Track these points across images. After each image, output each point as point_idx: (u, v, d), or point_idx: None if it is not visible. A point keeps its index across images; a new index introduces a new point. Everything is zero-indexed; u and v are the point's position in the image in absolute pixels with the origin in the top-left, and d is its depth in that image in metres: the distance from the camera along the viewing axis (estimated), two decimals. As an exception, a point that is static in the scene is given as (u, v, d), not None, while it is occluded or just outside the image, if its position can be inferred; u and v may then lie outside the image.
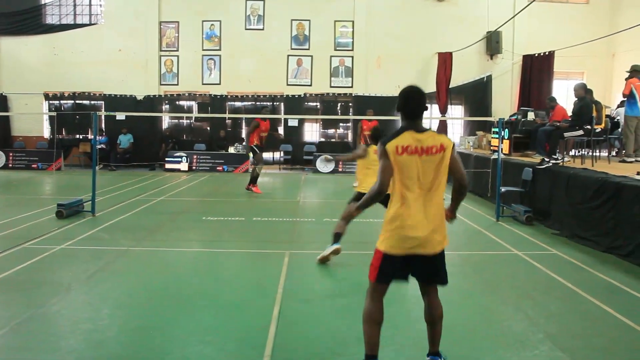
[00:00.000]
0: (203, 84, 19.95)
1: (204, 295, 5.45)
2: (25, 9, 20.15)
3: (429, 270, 3.73)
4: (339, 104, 20.07)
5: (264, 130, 12.49)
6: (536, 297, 5.45)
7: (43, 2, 20.23)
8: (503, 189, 10.00)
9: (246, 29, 19.78)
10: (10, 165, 18.69)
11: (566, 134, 10.15)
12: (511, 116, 14.35)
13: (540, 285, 5.90)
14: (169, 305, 5.09)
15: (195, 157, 18.56)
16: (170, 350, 4.08)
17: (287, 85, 19.79)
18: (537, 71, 18.88)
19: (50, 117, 19.79)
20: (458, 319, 4.82)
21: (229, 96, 19.83)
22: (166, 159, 18.56)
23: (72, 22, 20.21)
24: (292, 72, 19.79)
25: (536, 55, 18.84)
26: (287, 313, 4.91)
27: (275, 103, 19.70)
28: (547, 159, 9.74)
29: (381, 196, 3.61)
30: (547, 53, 18.53)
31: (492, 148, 13.22)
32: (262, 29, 19.75)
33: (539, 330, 4.54)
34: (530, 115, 13.30)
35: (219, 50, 19.86)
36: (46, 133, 20.54)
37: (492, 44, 19.08)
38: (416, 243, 3.59)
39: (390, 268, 3.66)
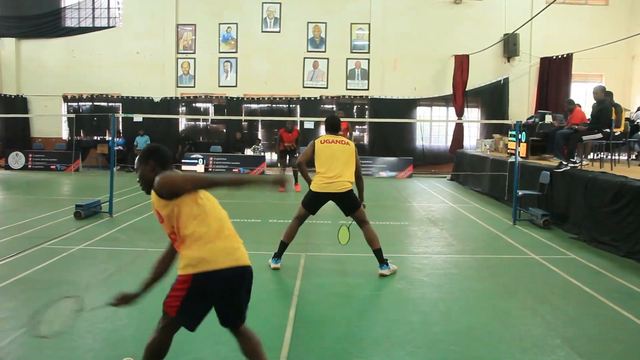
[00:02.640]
0: (219, 86, 20.06)
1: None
2: (45, 12, 20.41)
3: None
4: (355, 107, 20.08)
5: (286, 141, 13.52)
6: (554, 302, 5.40)
7: (62, 6, 20.48)
8: (520, 193, 9.93)
9: (262, 32, 19.86)
10: (30, 166, 18.93)
11: (585, 137, 10.05)
12: (528, 119, 14.25)
13: (558, 289, 5.85)
14: (186, 306, 5.12)
15: (211, 158, 18.64)
16: (187, 350, 4.10)
17: (303, 87, 19.84)
18: (555, 74, 18.73)
19: (69, 119, 20.03)
20: (475, 322, 4.80)
21: (245, 98, 19.91)
22: (182, 160, 18.67)
23: (91, 25, 20.45)
24: (308, 75, 19.83)
25: (554, 57, 18.69)
26: (303, 314, 4.92)
27: (291, 105, 19.75)
28: (565, 162, 9.65)
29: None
30: (565, 55, 18.38)
31: (509, 151, 13.13)
32: (279, 32, 19.82)
33: (557, 334, 4.50)
34: (548, 118, 13.19)
35: (236, 52, 19.96)
36: (65, 134, 20.79)
37: (510, 46, 18.95)
38: None
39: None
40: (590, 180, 8.41)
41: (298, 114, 19.50)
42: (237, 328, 3.31)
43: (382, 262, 6.14)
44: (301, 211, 6.27)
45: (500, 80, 19.27)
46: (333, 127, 6.46)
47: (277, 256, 6.39)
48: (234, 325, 3.30)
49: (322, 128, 19.81)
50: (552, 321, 4.83)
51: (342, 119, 13.25)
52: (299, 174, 12.79)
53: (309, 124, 19.39)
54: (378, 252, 6.15)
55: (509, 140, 13.76)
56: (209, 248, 3.06)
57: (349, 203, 6.14)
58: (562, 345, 4.28)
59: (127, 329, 4.52)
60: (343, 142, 6.25)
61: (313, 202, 6.19)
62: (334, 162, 6.10)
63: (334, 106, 19.58)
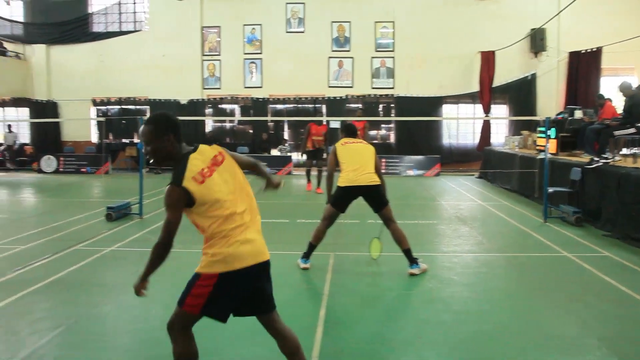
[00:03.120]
0: (245, 87, 20.19)
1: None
2: (74, 18, 20.80)
3: None
4: (381, 105, 20.01)
5: (314, 134, 12.97)
6: (588, 300, 5.30)
7: (90, 11, 20.83)
8: (551, 190, 9.77)
9: (287, 32, 19.92)
10: (61, 169, 19.28)
11: (617, 133, 9.86)
12: (557, 115, 14.04)
13: (591, 288, 5.74)
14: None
15: (238, 159, 18.74)
16: (221, 350, 4.13)
17: (329, 87, 19.83)
18: (584, 68, 18.38)
19: (98, 122, 20.41)
20: (507, 322, 4.75)
21: (270, 99, 20.00)
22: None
23: (118, 30, 20.77)
24: (334, 74, 19.82)
25: (583, 51, 18.34)
26: (333, 314, 4.91)
27: (316, 105, 19.77)
28: (596, 158, 9.47)
29: None
30: (594, 49, 18.02)
31: (537, 148, 12.94)
32: (303, 32, 19.86)
33: (592, 334, 4.41)
34: (578, 114, 12.96)
35: (260, 53, 20.06)
36: (94, 138, 21.16)
37: (537, 41, 18.66)
38: None
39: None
40: (624, 176, 8.23)
41: (324, 113, 19.49)
42: (269, 314, 3.30)
43: (412, 261, 6.11)
44: (330, 211, 6.25)
45: (528, 76, 19.00)
46: (351, 132, 6.57)
47: (306, 256, 6.41)
48: (265, 311, 3.29)
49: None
50: (588, 320, 4.74)
51: (359, 119, 13.35)
52: (319, 179, 12.92)
53: (334, 124, 19.35)
54: (407, 252, 6.12)
55: (537, 137, 13.56)
56: (230, 245, 3.03)
57: (379, 198, 6.13)
58: (599, 345, 4.19)
59: (162, 329, 4.55)
60: (363, 143, 6.44)
61: (343, 199, 6.18)
62: (359, 157, 6.17)
63: (360, 105, 19.51)
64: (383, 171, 6.53)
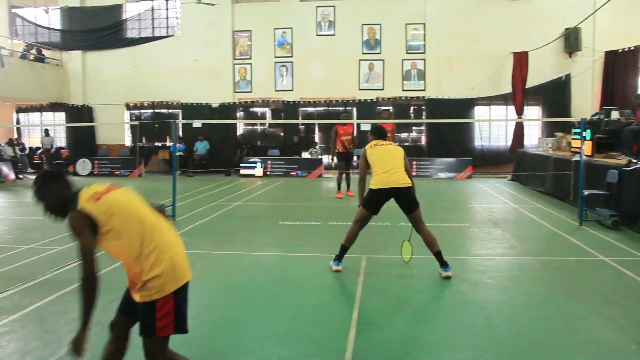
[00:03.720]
0: (276, 90, 20.31)
1: (282, 298, 5.54)
2: (108, 25, 21.22)
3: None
4: (412, 107, 19.92)
5: (342, 134, 12.79)
6: (626, 305, 5.18)
7: (124, 18, 21.22)
8: (586, 192, 9.58)
9: (317, 35, 19.98)
10: (95, 172, 19.69)
11: (655, 134, 9.62)
12: (593, 116, 13.74)
13: (630, 292, 5.61)
14: (249, 308, 5.21)
15: (269, 162, 18.87)
16: (252, 350, 4.17)
17: (359, 90, 19.81)
18: (620, 67, 17.97)
19: (132, 126, 20.78)
20: (541, 326, 4.66)
21: (301, 102, 20.08)
22: (241, 164, 18.98)
23: (151, 35, 21.10)
24: (364, 77, 19.79)
25: (619, 50, 17.95)
26: (366, 317, 4.91)
27: (347, 108, 19.77)
28: (634, 160, 9.26)
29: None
30: (632, 48, 17.61)
31: (572, 150, 12.71)
32: (333, 35, 19.89)
33: (632, 340, 4.31)
34: (614, 115, 12.66)
35: (291, 56, 20.16)
36: (127, 141, 21.54)
37: (571, 41, 18.31)
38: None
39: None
40: (662, 178, 8.04)
41: (355, 116, 19.47)
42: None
43: (443, 264, 6.07)
44: (362, 213, 6.25)
45: (562, 77, 18.66)
46: (381, 135, 6.59)
47: (338, 258, 6.42)
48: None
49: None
50: (626, 325, 4.63)
51: (387, 121, 13.26)
52: (348, 181, 12.87)
53: (365, 126, 19.33)
54: (438, 255, 6.09)
55: (572, 139, 13.32)
56: (172, 258, 3.03)
57: (411, 200, 6.11)
58: (637, 351, 4.10)
59: (192, 330, 4.56)
60: (393, 145, 6.50)
61: (376, 201, 6.17)
62: (390, 158, 6.19)
63: (391, 108, 19.46)
64: (414, 174, 6.55)
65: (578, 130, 11.23)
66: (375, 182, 6.13)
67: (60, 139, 22.27)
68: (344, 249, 6.40)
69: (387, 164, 6.13)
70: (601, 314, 4.95)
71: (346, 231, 6.40)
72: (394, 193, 6.08)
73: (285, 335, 4.51)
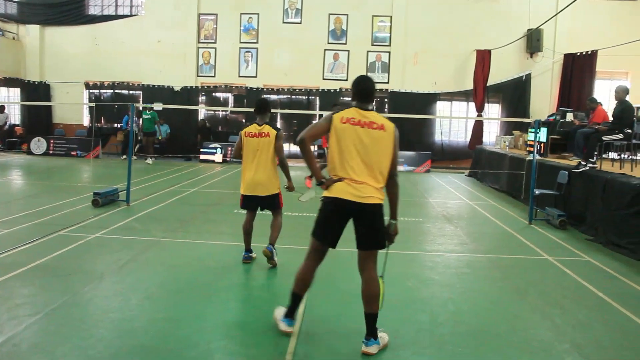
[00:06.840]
0: (240, 76, 20.14)
1: (232, 289, 5.53)
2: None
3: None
4: (375, 100, 19.95)
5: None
6: (565, 305, 5.34)
7: (86, -7, 20.68)
8: (537, 192, 9.81)
9: (284, 22, 19.86)
10: (51, 152, 19.21)
11: (605, 137, 9.89)
12: (549, 116, 14.08)
13: (570, 292, 5.79)
14: (198, 298, 5.17)
15: (229, 148, 18.72)
16: (196, 342, 4.13)
17: (323, 79, 19.80)
18: (578, 71, 18.44)
19: (90, 107, 20.27)
20: (483, 324, 4.78)
21: (265, 89, 19.96)
22: (201, 150, 18.78)
23: (114, 13, 20.63)
24: (329, 67, 19.79)
25: (578, 54, 18.39)
26: (313, 311, 4.92)
27: (310, 97, 19.74)
28: (583, 163, 9.52)
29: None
30: (589, 52, 18.06)
31: (528, 149, 12.99)
32: (300, 23, 19.79)
33: (566, 339, 4.45)
34: (569, 116, 13.01)
35: (256, 43, 19.99)
36: (86, 121, 21.05)
37: (533, 41, 18.70)
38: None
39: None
40: (609, 181, 8.29)
41: (317, 105, 19.47)
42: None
43: (372, 333, 4.46)
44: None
45: (522, 76, 19.04)
46: None
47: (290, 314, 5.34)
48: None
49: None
50: (562, 325, 4.78)
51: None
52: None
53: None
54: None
55: (529, 138, 13.62)
56: None
57: None
58: (570, 350, 4.24)
59: (137, 319, 4.57)
60: None
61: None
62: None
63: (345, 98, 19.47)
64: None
65: (533, 130, 11.47)
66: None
67: (14, 116, 21.57)
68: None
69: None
70: (541, 313, 5.09)
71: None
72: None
73: (231, 328, 4.50)
